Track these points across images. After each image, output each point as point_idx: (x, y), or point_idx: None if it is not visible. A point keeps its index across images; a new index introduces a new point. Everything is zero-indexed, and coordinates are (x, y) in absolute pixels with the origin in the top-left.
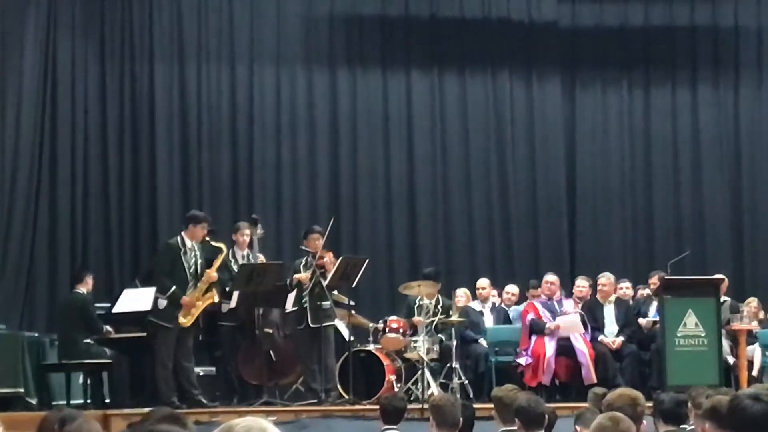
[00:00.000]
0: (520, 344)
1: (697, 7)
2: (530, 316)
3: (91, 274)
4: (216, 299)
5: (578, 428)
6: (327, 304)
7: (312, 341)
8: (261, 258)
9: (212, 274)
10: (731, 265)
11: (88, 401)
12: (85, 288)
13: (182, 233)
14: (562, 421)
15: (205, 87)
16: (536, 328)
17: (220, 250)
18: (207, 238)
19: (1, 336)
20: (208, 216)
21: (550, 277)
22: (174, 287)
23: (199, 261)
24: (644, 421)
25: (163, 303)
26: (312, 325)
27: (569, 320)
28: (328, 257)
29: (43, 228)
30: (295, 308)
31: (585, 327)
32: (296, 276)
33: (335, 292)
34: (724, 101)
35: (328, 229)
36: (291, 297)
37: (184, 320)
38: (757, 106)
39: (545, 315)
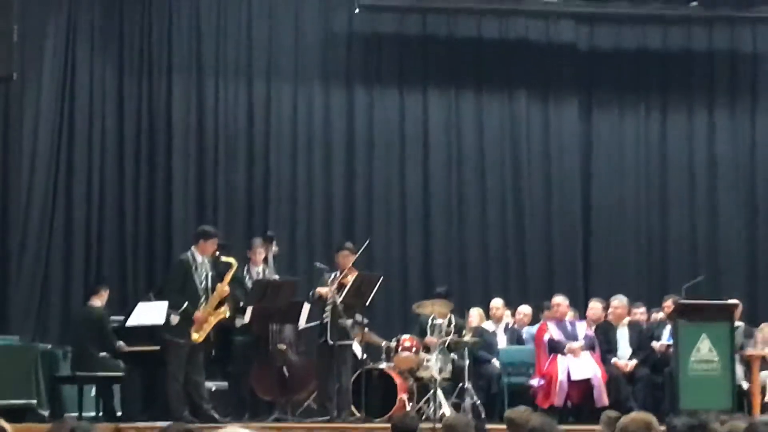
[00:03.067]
0: (536, 365)
1: (715, 33)
2: (547, 335)
3: (107, 288)
4: (227, 314)
5: None
6: (347, 322)
7: (329, 358)
8: (276, 278)
9: (224, 288)
10: (745, 290)
11: (100, 413)
12: (100, 301)
13: (192, 248)
14: None
15: (222, 102)
16: (556, 348)
17: (230, 264)
18: (217, 253)
19: (15, 347)
20: (218, 231)
21: (558, 299)
22: (186, 303)
23: (210, 276)
24: None
25: (175, 319)
26: (330, 342)
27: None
28: (351, 276)
29: (58, 239)
30: (309, 325)
31: (594, 349)
32: (318, 290)
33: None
34: (741, 126)
35: (361, 249)
36: (304, 314)
37: (197, 335)
38: None
39: (559, 336)
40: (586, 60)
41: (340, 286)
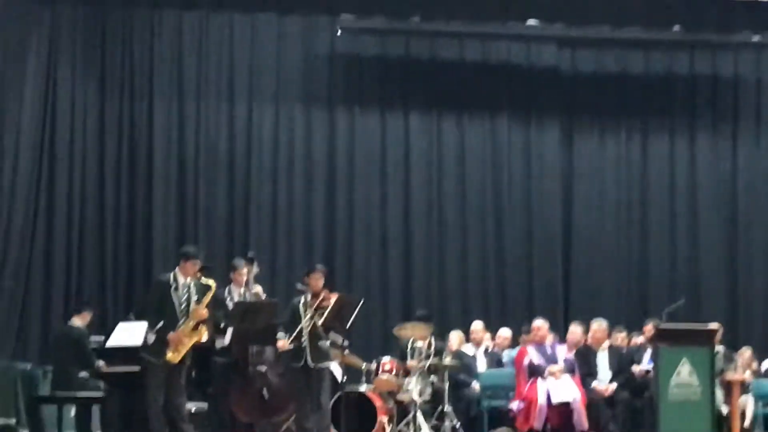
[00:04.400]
0: (515, 389)
1: (696, 57)
2: (527, 359)
3: (91, 311)
4: (204, 338)
5: None
6: (325, 344)
7: (308, 380)
8: (258, 289)
9: (201, 311)
10: (726, 314)
11: None
12: (82, 321)
13: (176, 269)
14: None
15: (203, 124)
16: (536, 371)
17: (209, 287)
18: (198, 275)
19: None
20: (199, 251)
21: (538, 323)
22: (161, 323)
23: (193, 298)
24: None
25: (152, 338)
26: (310, 365)
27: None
28: (331, 298)
29: (39, 260)
30: (292, 346)
31: (573, 373)
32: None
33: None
34: (722, 150)
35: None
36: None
37: (171, 356)
38: (754, 156)
39: (539, 360)
40: (568, 83)
41: (319, 308)
